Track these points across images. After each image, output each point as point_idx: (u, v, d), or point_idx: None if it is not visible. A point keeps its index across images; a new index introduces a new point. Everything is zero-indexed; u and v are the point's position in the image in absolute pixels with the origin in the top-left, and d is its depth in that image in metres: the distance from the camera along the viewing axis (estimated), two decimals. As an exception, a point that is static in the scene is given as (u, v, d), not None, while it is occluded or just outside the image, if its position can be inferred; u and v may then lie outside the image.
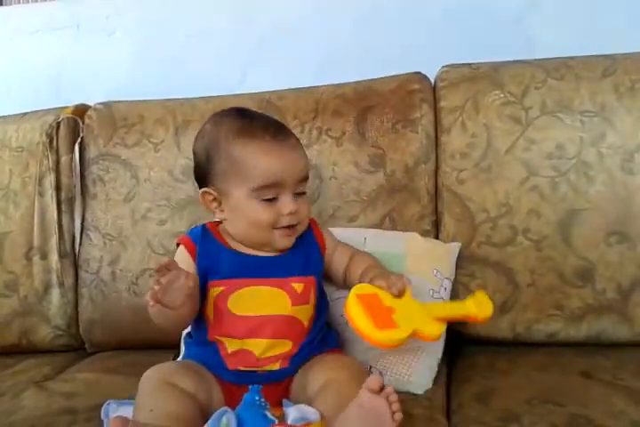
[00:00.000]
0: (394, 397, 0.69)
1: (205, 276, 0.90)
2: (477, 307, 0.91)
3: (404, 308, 0.85)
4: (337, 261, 0.99)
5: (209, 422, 0.68)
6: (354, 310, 0.81)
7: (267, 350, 0.86)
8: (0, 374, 1.16)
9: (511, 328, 1.09)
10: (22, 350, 1.29)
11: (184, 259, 0.92)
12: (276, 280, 0.90)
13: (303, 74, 1.43)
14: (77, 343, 1.30)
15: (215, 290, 0.89)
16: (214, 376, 0.87)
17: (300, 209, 0.91)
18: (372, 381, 0.69)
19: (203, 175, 0.94)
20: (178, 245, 0.96)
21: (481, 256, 1.10)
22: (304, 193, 0.93)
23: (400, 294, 0.86)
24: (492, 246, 1.10)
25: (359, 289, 0.85)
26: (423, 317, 0.86)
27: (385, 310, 0.83)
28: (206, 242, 0.93)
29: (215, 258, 0.91)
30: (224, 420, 0.67)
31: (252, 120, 0.92)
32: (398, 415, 0.68)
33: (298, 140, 0.95)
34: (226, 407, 0.71)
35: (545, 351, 1.06)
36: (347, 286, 0.99)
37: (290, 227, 0.91)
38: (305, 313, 0.90)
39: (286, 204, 0.89)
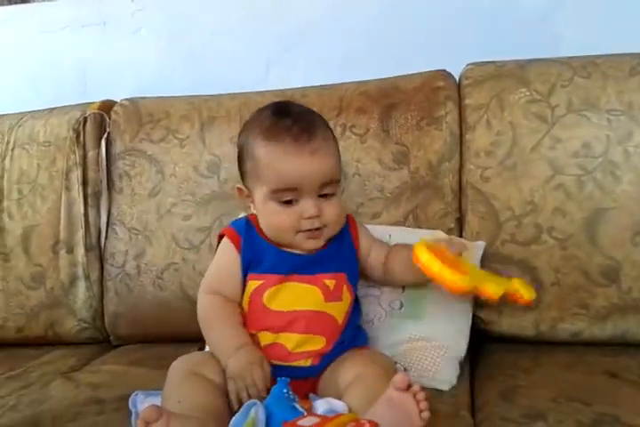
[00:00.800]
0: (421, 395, 0.69)
1: (246, 268, 0.91)
2: (523, 287, 0.90)
3: (466, 265, 0.87)
4: (374, 258, 0.98)
5: (237, 414, 0.69)
6: (424, 257, 0.83)
7: (299, 345, 0.87)
8: (27, 364, 1.18)
9: (535, 327, 1.08)
10: (48, 342, 1.31)
11: (229, 250, 0.93)
12: (309, 277, 0.90)
13: (326, 72, 1.43)
14: (102, 336, 1.32)
15: (253, 283, 0.90)
16: None
17: (326, 211, 0.89)
18: (399, 379, 0.69)
19: (239, 170, 0.96)
20: (221, 237, 0.96)
21: (505, 255, 1.10)
22: (333, 194, 0.90)
23: (459, 254, 0.87)
24: (516, 245, 1.09)
25: (424, 241, 0.86)
26: (482, 276, 0.88)
27: (451, 260, 0.85)
28: (250, 235, 0.93)
29: (258, 251, 0.91)
30: (252, 412, 0.67)
31: (279, 119, 0.89)
32: (426, 414, 0.68)
33: (328, 139, 0.91)
34: (254, 400, 0.71)
35: (569, 350, 1.05)
36: (388, 280, 1.00)
37: (314, 230, 0.90)
38: (338, 310, 0.91)
39: (306, 207, 0.88)
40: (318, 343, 0.88)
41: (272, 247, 0.92)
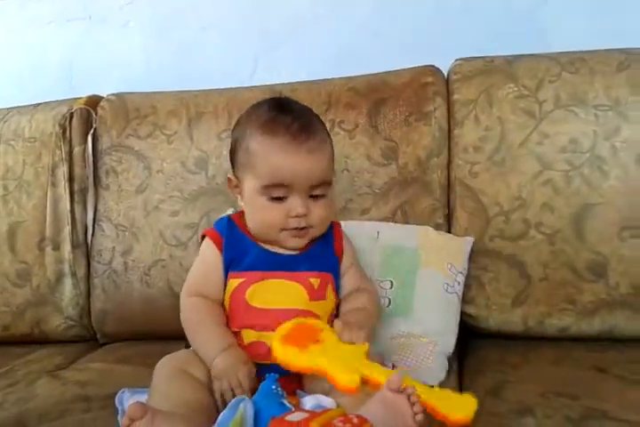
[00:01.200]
0: (415, 398, 0.68)
1: (226, 266, 0.90)
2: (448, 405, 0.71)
3: (337, 350, 0.77)
4: (343, 285, 0.96)
5: (225, 409, 0.68)
6: (279, 354, 0.76)
7: None
8: (13, 363, 1.16)
9: (523, 322, 1.08)
10: (34, 340, 1.29)
11: (210, 251, 0.92)
12: (293, 274, 0.89)
13: (314, 67, 1.43)
14: (89, 334, 1.30)
15: (234, 281, 0.89)
16: None
17: (314, 212, 0.88)
18: (393, 380, 0.68)
19: (230, 161, 0.95)
20: (203, 237, 0.95)
21: (494, 250, 1.10)
22: (323, 196, 0.90)
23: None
24: (504, 240, 1.10)
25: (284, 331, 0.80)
26: (348, 364, 0.74)
27: (313, 337, 0.78)
28: (232, 234, 0.92)
29: (240, 249, 0.91)
30: (241, 407, 0.67)
31: (279, 115, 0.89)
32: (420, 417, 0.67)
33: (324, 141, 0.91)
34: (243, 396, 0.71)
35: (557, 346, 1.06)
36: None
37: (299, 229, 0.89)
38: (323, 309, 0.90)
39: (295, 205, 0.87)
40: None
41: (254, 245, 0.91)
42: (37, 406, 0.91)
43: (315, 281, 0.90)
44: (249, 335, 0.87)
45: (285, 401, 0.70)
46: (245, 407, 0.68)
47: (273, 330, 0.83)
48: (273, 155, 0.87)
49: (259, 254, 0.90)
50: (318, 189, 0.89)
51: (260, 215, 0.90)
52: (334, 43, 1.46)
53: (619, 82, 1.09)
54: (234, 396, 0.76)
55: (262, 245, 0.91)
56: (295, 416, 0.60)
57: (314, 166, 0.87)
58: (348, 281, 0.96)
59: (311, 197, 0.89)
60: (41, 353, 1.22)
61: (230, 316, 0.89)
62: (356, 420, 0.59)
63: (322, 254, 0.94)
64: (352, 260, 0.98)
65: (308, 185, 0.87)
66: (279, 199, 0.88)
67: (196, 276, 0.94)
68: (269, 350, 0.80)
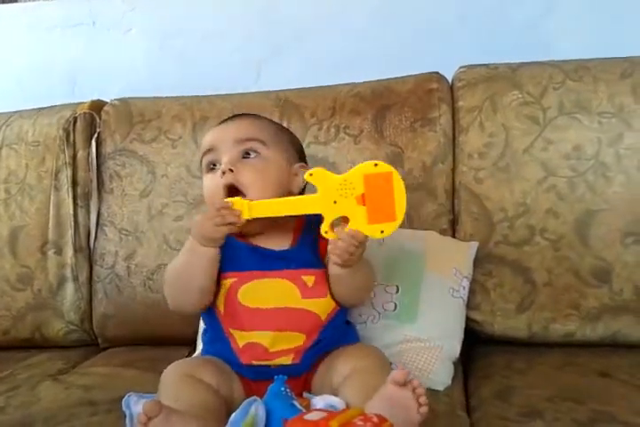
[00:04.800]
0: (421, 390, 0.69)
1: (219, 268, 0.90)
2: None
3: None
4: None
5: (236, 411, 0.68)
6: None
7: (275, 343, 0.85)
8: (13, 367, 1.15)
9: (528, 327, 1.09)
10: (35, 345, 1.29)
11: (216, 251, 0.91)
12: (286, 272, 0.88)
13: (318, 74, 1.42)
14: (90, 339, 1.30)
15: (227, 281, 0.89)
16: (234, 372, 0.86)
17: (244, 169, 0.88)
18: (398, 374, 0.69)
19: None
20: None
21: (498, 255, 1.10)
22: (256, 154, 0.90)
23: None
24: (509, 246, 1.10)
25: None
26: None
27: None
28: None
29: (229, 250, 0.90)
30: (252, 409, 0.67)
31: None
32: (424, 409, 0.68)
33: (259, 117, 0.98)
34: (254, 397, 0.70)
35: (561, 351, 1.06)
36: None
37: (232, 190, 0.88)
38: (321, 306, 0.88)
39: (223, 165, 0.89)
40: (296, 340, 0.86)
41: (243, 245, 0.91)
42: (42, 410, 0.90)
43: (308, 279, 0.88)
44: (241, 337, 0.87)
45: (296, 403, 0.70)
46: (257, 409, 0.68)
47: (264, 330, 0.83)
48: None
49: (249, 252, 0.90)
50: (246, 144, 0.91)
51: (204, 192, 0.93)
52: (337, 51, 1.47)
53: (622, 89, 1.10)
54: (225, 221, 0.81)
55: (252, 241, 0.91)
56: (314, 415, 0.60)
57: (236, 125, 0.94)
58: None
59: (243, 158, 0.91)
60: (41, 357, 1.22)
61: (224, 317, 0.89)
62: (376, 419, 0.60)
63: (314, 250, 0.91)
64: None
65: (231, 141, 0.91)
66: (213, 168, 0.91)
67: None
68: (264, 351, 0.83)
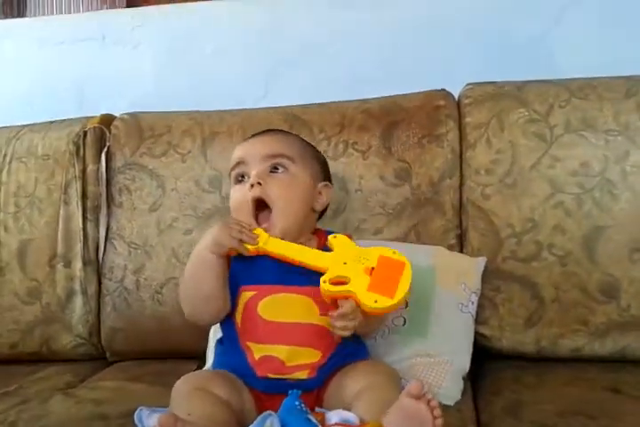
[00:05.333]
0: (435, 402, 0.70)
1: (237, 280, 0.91)
2: None
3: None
4: None
5: (252, 425, 0.68)
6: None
7: (292, 358, 0.86)
8: (22, 380, 1.15)
9: (536, 343, 1.09)
10: (42, 358, 1.28)
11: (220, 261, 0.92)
12: (305, 288, 0.89)
13: (326, 90, 1.44)
14: (98, 353, 1.29)
15: (246, 294, 0.90)
16: (245, 385, 0.87)
17: (271, 183, 0.92)
18: (413, 386, 0.70)
19: None
20: None
21: (506, 271, 1.11)
22: (284, 169, 0.94)
23: None
24: (517, 261, 1.11)
25: None
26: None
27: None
28: None
29: (249, 262, 0.91)
30: (268, 423, 0.67)
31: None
32: (439, 421, 0.69)
33: (287, 134, 1.02)
34: (269, 411, 0.71)
35: (570, 367, 1.06)
36: None
37: (260, 203, 0.92)
38: None
39: (251, 178, 0.92)
40: (313, 356, 0.87)
41: (265, 258, 0.91)
42: (54, 424, 0.90)
43: None
44: (258, 349, 0.87)
45: (311, 417, 0.70)
46: (272, 423, 0.68)
47: (281, 344, 0.84)
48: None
49: (266, 266, 0.91)
50: (274, 160, 0.94)
51: (231, 203, 0.96)
52: (345, 69, 1.50)
53: (627, 107, 1.12)
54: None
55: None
56: (336, 430, 0.60)
57: (266, 140, 0.98)
58: None
59: (271, 172, 0.94)
60: (50, 371, 1.21)
61: (242, 330, 0.90)
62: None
63: None
64: None
65: (262, 156, 0.94)
66: (242, 180, 0.95)
67: None
68: (280, 364, 0.83)
